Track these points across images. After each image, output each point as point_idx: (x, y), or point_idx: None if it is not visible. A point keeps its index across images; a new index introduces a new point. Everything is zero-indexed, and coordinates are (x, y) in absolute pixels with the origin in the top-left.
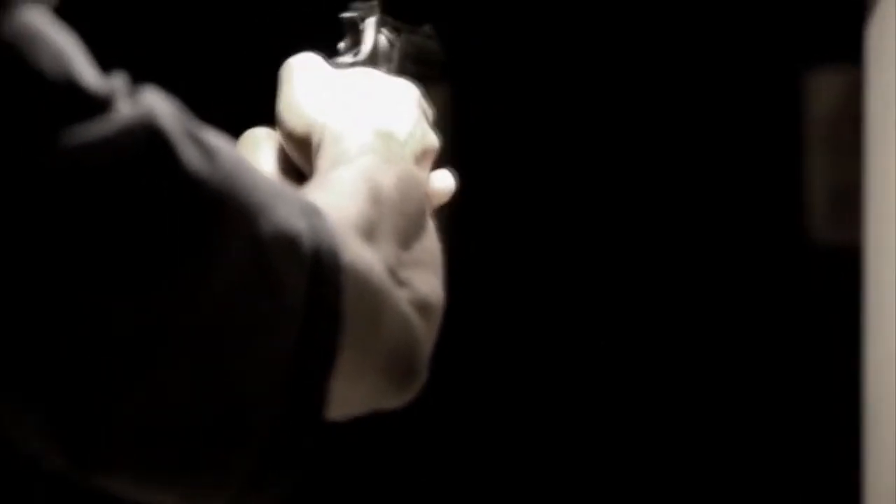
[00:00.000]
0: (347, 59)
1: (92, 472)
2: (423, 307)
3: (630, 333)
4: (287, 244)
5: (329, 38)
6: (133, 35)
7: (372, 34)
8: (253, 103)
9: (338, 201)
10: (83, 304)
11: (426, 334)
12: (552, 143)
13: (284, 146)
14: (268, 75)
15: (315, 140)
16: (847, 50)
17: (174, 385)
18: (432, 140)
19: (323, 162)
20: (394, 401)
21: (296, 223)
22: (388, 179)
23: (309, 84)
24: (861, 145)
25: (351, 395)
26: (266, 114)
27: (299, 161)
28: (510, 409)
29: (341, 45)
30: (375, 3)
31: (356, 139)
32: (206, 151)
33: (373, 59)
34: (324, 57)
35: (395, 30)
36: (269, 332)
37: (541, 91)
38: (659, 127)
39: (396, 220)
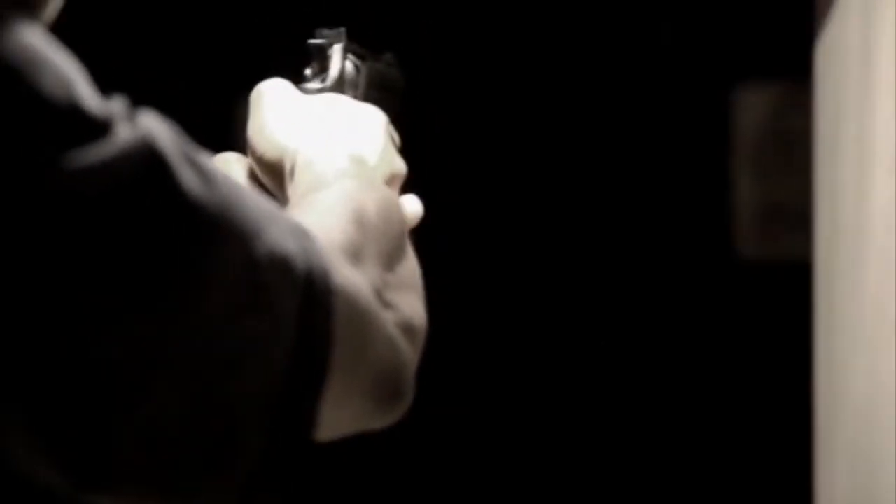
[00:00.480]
0: (315, 84)
1: (88, 491)
2: (408, 329)
3: (555, 344)
4: (281, 266)
5: (293, 63)
6: (96, 62)
7: (339, 60)
8: (222, 127)
9: (323, 224)
10: (82, 326)
11: (411, 356)
12: (490, 161)
13: (255, 170)
14: (236, 100)
15: (287, 165)
16: (773, 67)
17: (169, 407)
18: (400, 165)
19: (298, 187)
20: (379, 422)
21: (288, 245)
22: (369, 203)
23: (280, 109)
24: (812, 161)
25: (338, 416)
26: (235, 138)
27: (270, 185)
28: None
29: (308, 71)
30: (342, 30)
31: (331, 164)
32: (203, 174)
33: (339, 85)
34: (292, 82)
35: (360, 56)
36: (262, 353)
37: (485, 110)
38: (589, 139)
39: (380, 242)
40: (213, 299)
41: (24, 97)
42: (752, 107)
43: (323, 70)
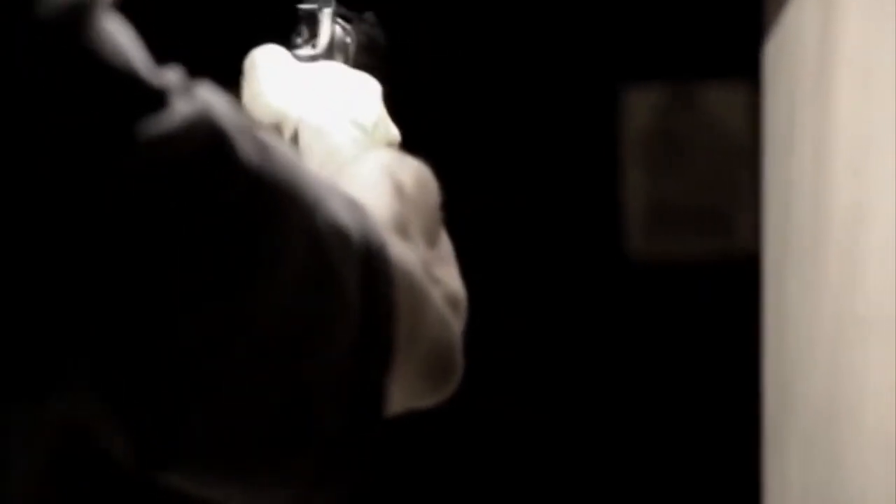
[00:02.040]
0: (307, 51)
1: (160, 468)
2: (454, 303)
3: None
4: (341, 238)
5: (281, 29)
6: None
7: (328, 26)
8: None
9: (367, 199)
10: (153, 302)
11: (459, 332)
12: None
13: None
14: (228, 67)
15: (287, 132)
16: (664, 69)
17: (242, 384)
18: (395, 133)
19: (313, 157)
20: (430, 400)
21: (345, 217)
22: (405, 176)
23: (275, 75)
24: (760, 159)
25: (395, 394)
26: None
27: None
28: None
29: (297, 37)
30: None
31: (343, 133)
32: (261, 146)
33: (330, 51)
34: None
35: (347, 20)
36: (329, 328)
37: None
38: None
39: (421, 216)
40: (280, 272)
41: (95, 72)
42: (641, 107)
43: (313, 36)
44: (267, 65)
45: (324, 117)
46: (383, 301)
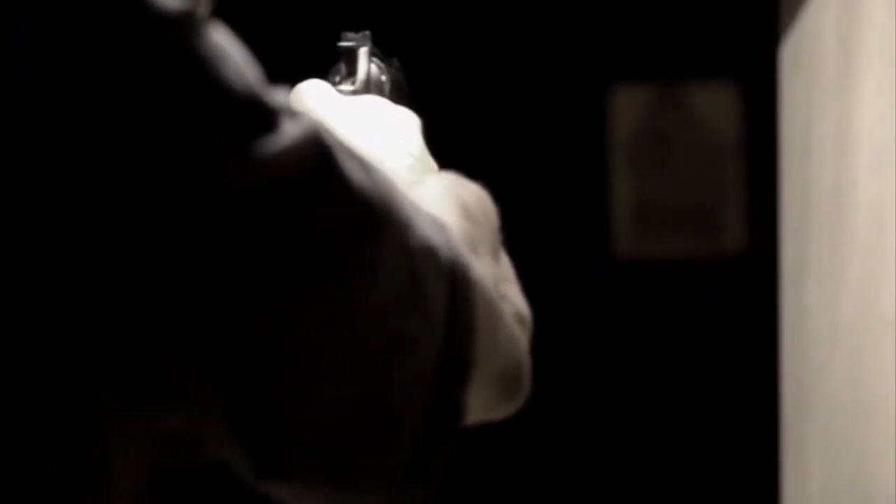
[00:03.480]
0: (347, 86)
1: (269, 478)
2: (521, 320)
3: None
4: (430, 257)
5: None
6: None
7: (365, 63)
8: None
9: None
10: (260, 310)
11: (527, 348)
12: None
13: None
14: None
15: None
16: (651, 69)
17: (336, 393)
18: (434, 166)
19: None
20: (502, 413)
21: (434, 236)
22: (467, 197)
23: (324, 109)
24: (777, 160)
25: (470, 407)
26: None
27: None
28: None
29: (335, 75)
30: (367, 33)
31: (400, 161)
32: (363, 165)
33: (366, 88)
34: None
35: (382, 60)
36: (418, 343)
37: None
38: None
39: (486, 234)
40: (379, 287)
41: (208, 87)
42: (628, 107)
43: (350, 73)
44: (314, 98)
45: (377, 147)
46: (466, 319)
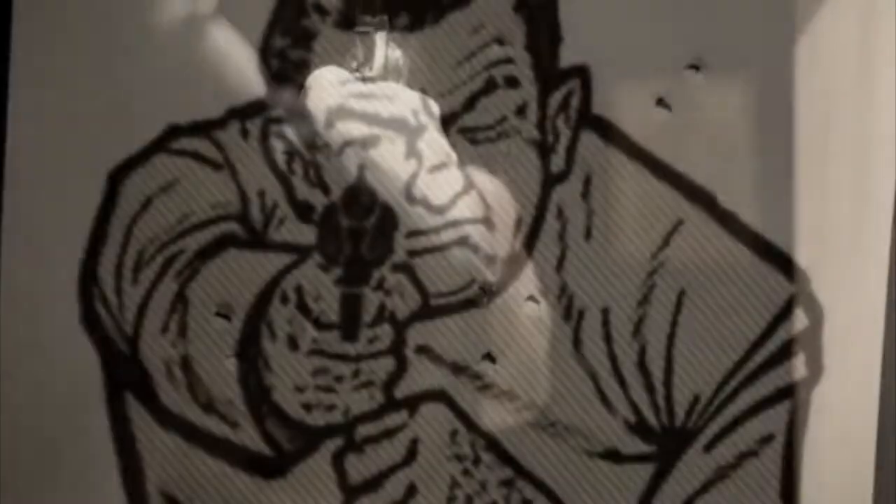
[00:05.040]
0: (365, 72)
1: None
2: None
3: None
4: None
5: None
6: None
7: (383, 48)
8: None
9: None
10: None
11: None
12: None
13: None
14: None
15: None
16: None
17: None
18: (451, 152)
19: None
20: None
21: None
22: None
23: (341, 95)
24: (789, 158)
25: None
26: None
27: None
28: None
29: (353, 60)
30: (385, 17)
31: (415, 148)
32: None
33: (385, 72)
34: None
35: (398, 44)
36: None
37: None
38: None
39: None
40: None
41: None
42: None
43: (369, 58)
44: (332, 84)
45: (395, 135)
46: None
